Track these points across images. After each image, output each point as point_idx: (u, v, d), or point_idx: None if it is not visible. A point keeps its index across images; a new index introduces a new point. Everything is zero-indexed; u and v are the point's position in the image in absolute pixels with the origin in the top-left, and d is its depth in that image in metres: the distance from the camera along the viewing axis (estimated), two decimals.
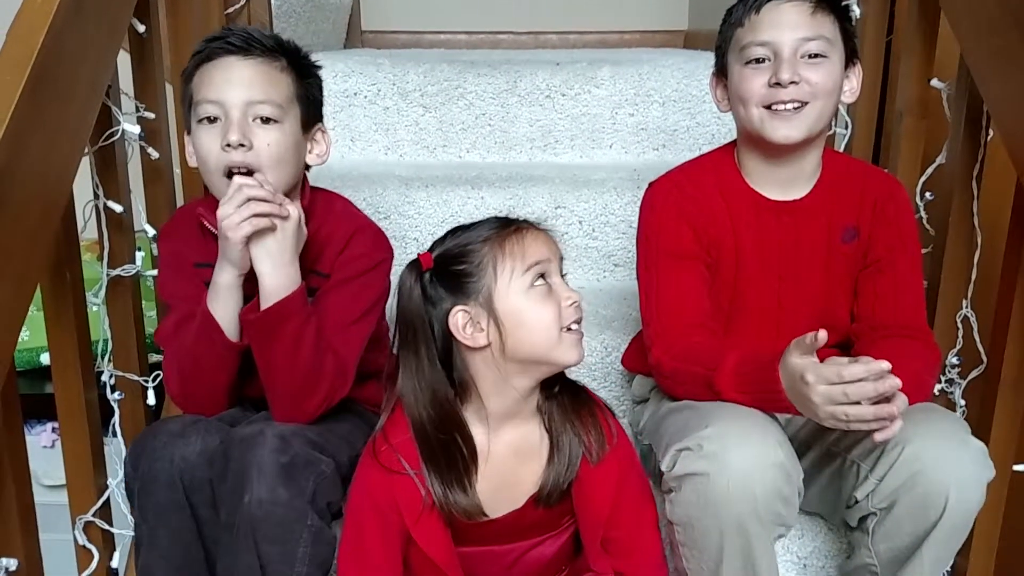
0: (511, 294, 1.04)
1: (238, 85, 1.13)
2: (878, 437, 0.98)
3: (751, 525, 1.01)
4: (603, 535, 1.11)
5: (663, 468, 1.08)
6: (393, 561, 1.08)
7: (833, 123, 1.60)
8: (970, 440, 1.04)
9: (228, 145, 1.11)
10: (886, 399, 0.96)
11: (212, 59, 1.14)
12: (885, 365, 0.95)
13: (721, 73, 1.24)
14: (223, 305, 1.13)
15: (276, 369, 1.13)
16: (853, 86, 1.21)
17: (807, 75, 1.14)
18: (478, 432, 1.09)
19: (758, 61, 1.16)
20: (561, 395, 1.11)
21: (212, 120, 1.13)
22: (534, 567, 1.14)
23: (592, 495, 1.10)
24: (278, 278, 1.10)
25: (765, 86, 1.15)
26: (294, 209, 1.11)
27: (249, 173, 1.12)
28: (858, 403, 0.96)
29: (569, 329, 1.05)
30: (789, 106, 1.15)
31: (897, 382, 0.95)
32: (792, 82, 1.13)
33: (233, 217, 1.07)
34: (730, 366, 1.09)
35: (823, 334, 0.98)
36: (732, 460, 1.00)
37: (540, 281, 1.05)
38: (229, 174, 1.12)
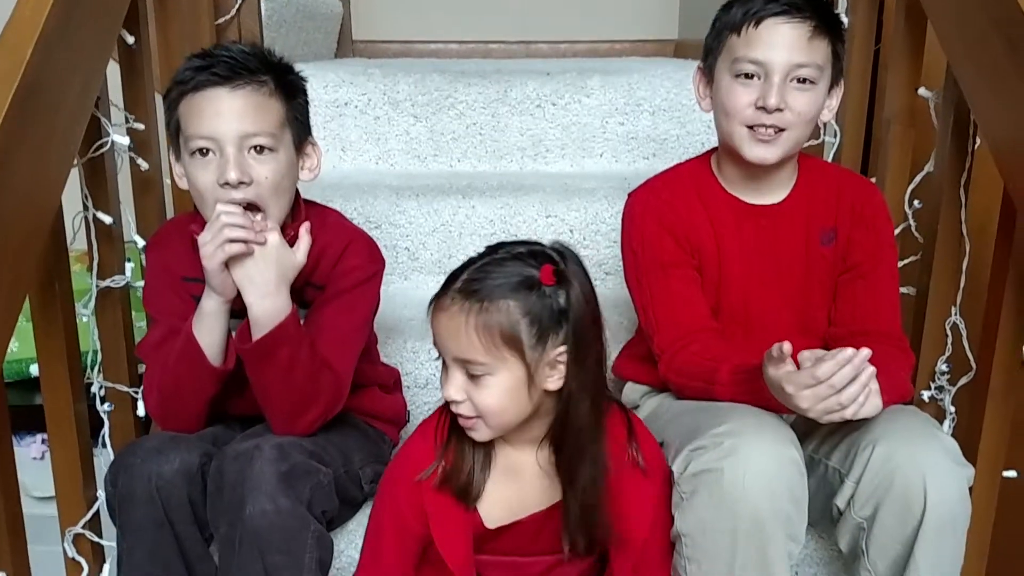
0: None
1: (229, 119, 1.10)
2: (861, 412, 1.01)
3: (767, 523, 1.01)
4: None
5: (675, 470, 1.07)
6: (404, 563, 1.10)
7: (821, 132, 1.61)
8: (939, 435, 1.07)
9: (227, 183, 1.10)
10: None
11: (199, 90, 1.11)
12: (848, 352, 0.98)
13: (707, 69, 1.24)
14: (207, 331, 1.12)
15: (272, 391, 1.13)
16: (832, 105, 1.22)
17: (792, 101, 1.15)
18: (508, 449, 1.09)
19: (747, 76, 1.16)
20: (573, 427, 1.07)
21: (205, 153, 1.11)
22: None
23: (629, 520, 1.08)
24: (265, 306, 1.10)
25: (751, 106, 1.16)
26: (273, 235, 1.10)
27: (252, 208, 1.11)
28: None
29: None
30: (770, 130, 1.16)
31: (867, 352, 0.99)
32: (777, 108, 1.14)
33: (209, 245, 1.07)
34: (725, 377, 1.12)
35: (788, 346, 1.01)
36: (749, 454, 1.01)
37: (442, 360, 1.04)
38: None
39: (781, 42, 1.14)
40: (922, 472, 1.02)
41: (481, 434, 1.04)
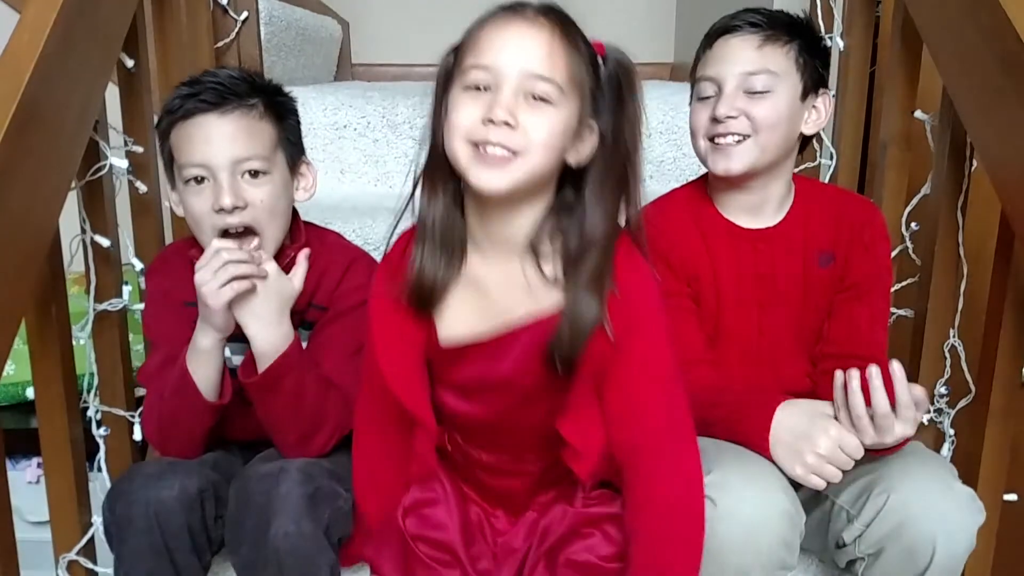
0: (454, 85, 0.96)
1: (220, 144, 1.11)
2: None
3: (754, 573, 1.00)
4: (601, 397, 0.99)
5: None
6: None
7: (817, 155, 1.62)
8: (957, 486, 1.05)
9: (222, 209, 1.10)
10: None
11: (188, 118, 1.11)
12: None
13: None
14: (204, 367, 1.12)
15: (281, 420, 1.13)
16: (819, 116, 1.20)
17: (748, 109, 1.15)
18: (475, 259, 1.01)
19: (707, 94, 1.19)
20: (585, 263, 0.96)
21: (199, 181, 1.11)
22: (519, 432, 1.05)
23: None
24: (268, 337, 1.10)
25: (709, 119, 1.17)
26: (271, 266, 1.10)
27: (249, 232, 1.11)
28: None
29: (477, 147, 0.92)
30: (729, 139, 1.16)
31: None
32: (730, 116, 1.15)
33: (211, 283, 1.06)
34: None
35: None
36: (736, 508, 0.99)
37: (476, 88, 0.93)
38: (224, 234, 1.12)
39: (730, 56, 1.17)
40: (934, 527, 1.00)
41: (506, 177, 0.92)
